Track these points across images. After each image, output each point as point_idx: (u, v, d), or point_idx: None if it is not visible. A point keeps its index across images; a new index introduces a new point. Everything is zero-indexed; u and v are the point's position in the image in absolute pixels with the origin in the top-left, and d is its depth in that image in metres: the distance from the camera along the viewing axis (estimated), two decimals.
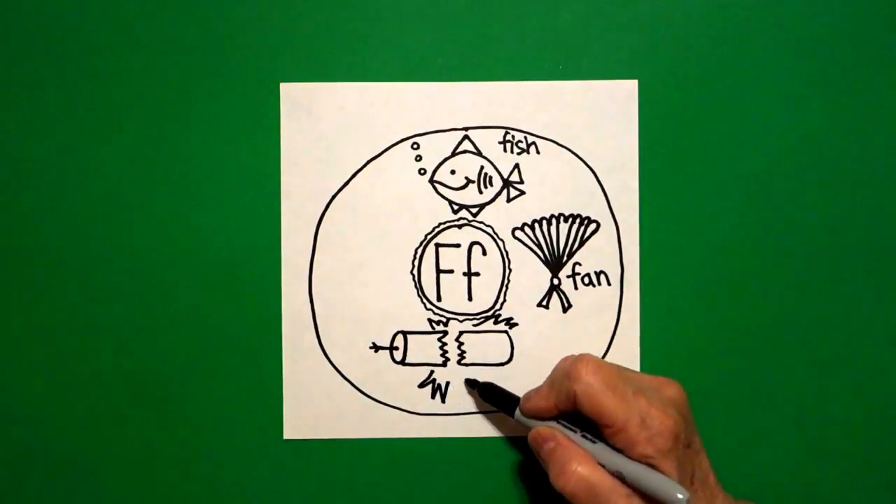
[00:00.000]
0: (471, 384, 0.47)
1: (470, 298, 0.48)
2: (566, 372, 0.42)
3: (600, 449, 0.41)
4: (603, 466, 0.41)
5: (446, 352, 0.48)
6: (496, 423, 0.48)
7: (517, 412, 0.45)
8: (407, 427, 0.47)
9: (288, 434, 0.47)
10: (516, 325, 0.48)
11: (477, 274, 0.48)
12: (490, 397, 0.47)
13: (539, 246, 0.48)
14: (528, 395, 0.45)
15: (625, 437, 0.40)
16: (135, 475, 0.47)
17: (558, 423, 0.43)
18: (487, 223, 0.48)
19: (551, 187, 0.48)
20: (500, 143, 0.48)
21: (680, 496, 0.38)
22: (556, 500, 0.42)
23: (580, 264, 0.48)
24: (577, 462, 0.41)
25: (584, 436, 0.42)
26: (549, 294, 0.48)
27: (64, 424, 0.47)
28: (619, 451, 0.41)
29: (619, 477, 0.40)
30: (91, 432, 0.47)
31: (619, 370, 0.43)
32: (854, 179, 0.47)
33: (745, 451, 0.48)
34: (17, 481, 0.47)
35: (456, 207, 0.48)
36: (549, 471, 0.42)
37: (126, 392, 0.47)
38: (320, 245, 0.47)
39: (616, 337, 0.47)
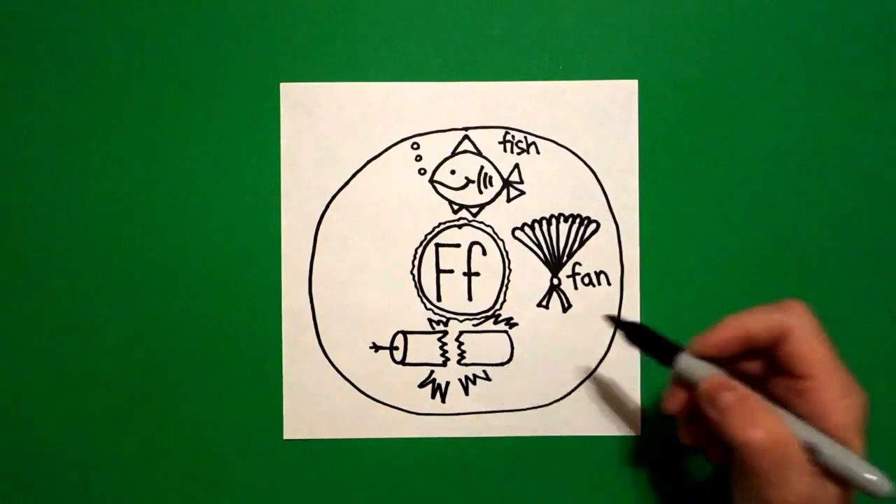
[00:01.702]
0: (616, 322, 0.42)
1: (470, 298, 0.48)
2: (779, 306, 0.37)
3: (790, 417, 0.35)
4: None
5: (446, 352, 0.48)
6: (496, 424, 0.48)
7: (683, 355, 0.39)
8: (407, 427, 0.47)
9: (288, 434, 0.47)
10: (516, 325, 0.48)
11: (477, 274, 0.48)
12: (640, 340, 0.41)
13: (539, 246, 0.48)
14: (704, 333, 0.38)
15: (824, 395, 0.35)
16: (135, 475, 0.47)
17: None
18: (487, 223, 0.48)
19: (551, 187, 0.48)
20: (500, 143, 0.48)
21: (888, 487, 0.33)
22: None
23: (580, 264, 0.48)
24: (769, 412, 0.35)
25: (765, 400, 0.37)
26: (549, 294, 0.48)
27: (64, 424, 0.47)
28: (805, 417, 0.36)
29: (809, 449, 0.35)
30: (91, 432, 0.47)
31: None
32: (854, 179, 0.47)
33: None
34: (17, 481, 0.47)
35: (456, 207, 0.48)
36: (729, 423, 0.35)
37: (126, 392, 0.47)
38: (320, 245, 0.47)
39: (616, 337, 0.47)
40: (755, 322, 0.37)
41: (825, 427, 0.35)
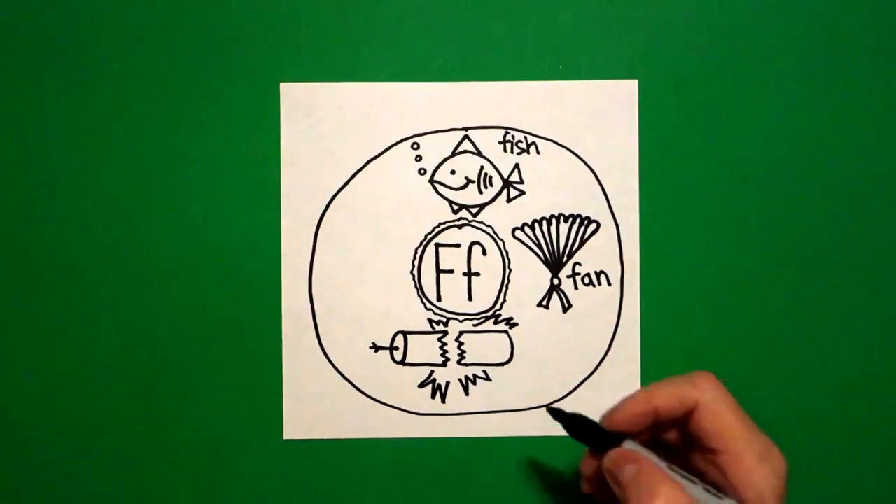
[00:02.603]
0: (555, 414, 0.41)
1: (470, 298, 0.48)
2: (688, 379, 0.38)
3: (696, 490, 0.35)
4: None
5: (446, 352, 0.48)
6: (496, 424, 0.48)
7: (601, 421, 0.39)
8: (407, 427, 0.47)
9: (288, 434, 0.47)
10: (516, 325, 0.48)
11: (477, 274, 0.48)
12: (576, 431, 0.40)
13: (539, 246, 0.48)
14: (615, 406, 0.39)
15: (740, 469, 0.35)
16: (135, 475, 0.47)
17: (648, 450, 0.38)
18: (487, 223, 0.48)
19: (551, 187, 0.48)
20: (500, 143, 0.48)
21: None
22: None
23: (580, 264, 0.48)
24: (668, 488, 0.34)
25: (674, 469, 0.37)
26: (549, 294, 0.48)
27: (63, 424, 0.47)
28: (719, 490, 0.36)
29: None
30: (91, 432, 0.47)
31: None
32: (854, 179, 0.47)
33: None
34: (16, 481, 0.47)
35: (456, 207, 0.48)
36: (629, 496, 0.35)
37: (126, 392, 0.47)
38: (320, 245, 0.47)
39: (616, 337, 0.47)
40: (662, 397, 0.37)
41: (743, 497, 0.35)
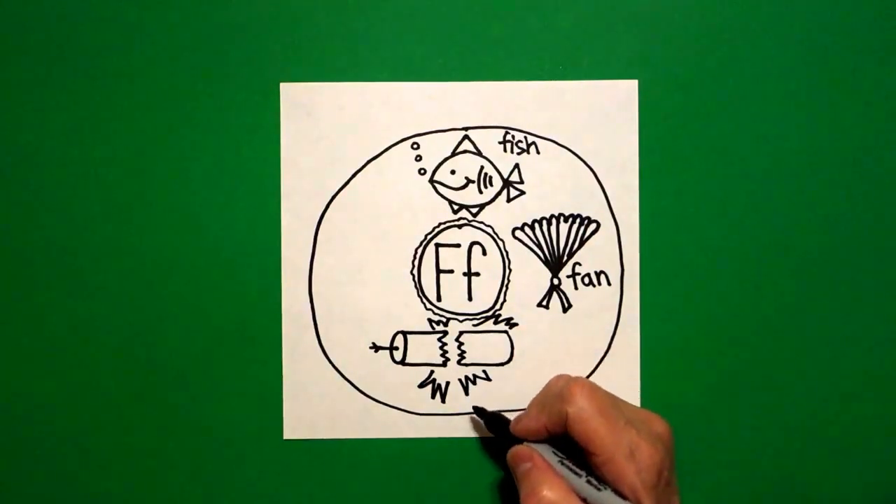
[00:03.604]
0: (480, 413, 0.47)
1: (470, 298, 0.48)
2: (559, 393, 0.42)
3: (580, 482, 0.41)
4: (583, 499, 0.40)
5: (446, 352, 0.48)
6: None
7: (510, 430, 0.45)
8: (407, 427, 0.47)
9: (288, 434, 0.47)
10: (516, 325, 0.48)
11: (477, 274, 0.48)
12: (494, 427, 0.46)
13: (539, 246, 0.48)
14: (519, 416, 0.45)
15: (612, 467, 0.40)
16: (135, 475, 0.47)
17: (548, 447, 0.43)
18: (487, 223, 0.48)
19: (551, 187, 0.48)
20: (500, 143, 0.48)
21: None
22: None
23: (580, 264, 0.48)
24: (548, 487, 0.40)
25: (564, 464, 0.42)
26: (549, 294, 0.48)
27: (63, 424, 0.47)
28: (601, 482, 0.40)
29: None
30: (91, 432, 0.47)
31: (612, 398, 0.43)
32: (854, 179, 0.47)
33: (744, 451, 0.48)
34: (16, 481, 0.47)
35: (456, 207, 0.48)
36: (520, 489, 0.42)
37: (126, 392, 0.47)
38: (320, 245, 0.47)
39: (616, 337, 0.47)
40: (546, 415, 0.42)
41: (622, 490, 0.40)
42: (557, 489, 0.40)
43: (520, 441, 0.44)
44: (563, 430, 0.42)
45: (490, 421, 0.46)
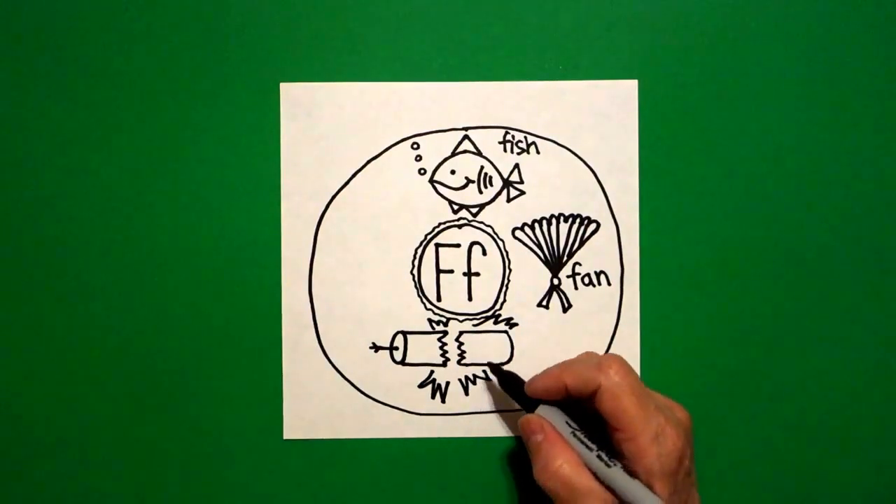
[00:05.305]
0: (494, 370, 0.46)
1: (470, 298, 0.48)
2: (596, 363, 0.42)
3: (590, 455, 0.41)
4: (592, 472, 0.41)
5: (446, 352, 0.48)
6: (496, 424, 0.48)
7: (526, 387, 0.45)
8: (407, 427, 0.47)
9: (288, 434, 0.47)
10: (516, 325, 0.48)
11: (477, 274, 0.48)
12: (508, 386, 0.46)
13: (539, 246, 0.48)
14: (535, 377, 0.44)
15: (634, 446, 0.40)
16: (135, 475, 0.47)
17: (562, 415, 0.43)
18: (487, 223, 0.48)
19: (551, 187, 0.48)
20: (500, 143, 0.48)
21: None
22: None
23: (580, 264, 0.48)
24: (562, 459, 0.41)
25: (577, 436, 0.42)
26: (549, 294, 0.48)
27: (64, 424, 0.47)
28: (612, 458, 0.41)
29: (604, 483, 0.40)
30: (91, 432, 0.47)
31: (641, 382, 0.43)
32: (854, 179, 0.47)
33: (744, 450, 0.48)
34: (16, 480, 0.47)
35: (456, 207, 0.48)
36: (533, 461, 0.42)
37: (126, 392, 0.47)
38: (320, 245, 0.47)
39: (616, 337, 0.47)
40: (570, 377, 0.42)
41: (634, 469, 0.40)
42: (571, 462, 0.41)
43: (533, 403, 0.44)
44: (585, 398, 0.42)
45: (504, 379, 0.46)
